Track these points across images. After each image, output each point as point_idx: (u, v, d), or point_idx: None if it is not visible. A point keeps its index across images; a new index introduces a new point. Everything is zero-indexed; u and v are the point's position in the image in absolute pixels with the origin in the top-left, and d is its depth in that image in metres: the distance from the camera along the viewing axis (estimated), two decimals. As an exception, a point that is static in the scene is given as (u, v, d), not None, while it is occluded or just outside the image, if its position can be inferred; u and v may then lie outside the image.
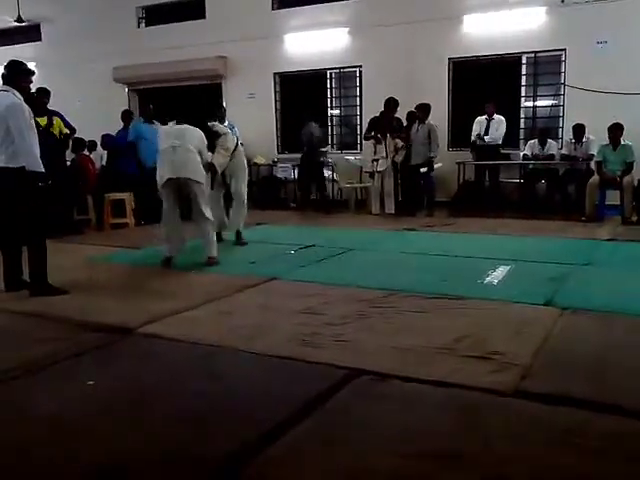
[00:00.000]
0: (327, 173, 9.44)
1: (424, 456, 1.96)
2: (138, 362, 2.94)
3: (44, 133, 6.97)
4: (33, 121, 4.27)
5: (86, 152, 9.53)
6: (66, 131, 7.28)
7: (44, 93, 7.22)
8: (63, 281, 4.50)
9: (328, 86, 10.70)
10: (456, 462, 1.93)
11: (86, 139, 9.69)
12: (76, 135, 8.00)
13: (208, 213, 5.19)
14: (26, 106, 4.14)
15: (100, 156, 9.39)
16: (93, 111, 11.35)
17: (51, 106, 7.39)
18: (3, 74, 4.26)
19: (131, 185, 7.90)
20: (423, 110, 8.36)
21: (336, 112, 10.85)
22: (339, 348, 2.98)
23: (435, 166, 8.52)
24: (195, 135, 5.24)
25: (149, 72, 11.34)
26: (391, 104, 8.38)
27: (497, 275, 4.46)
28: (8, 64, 4.29)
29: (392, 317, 3.50)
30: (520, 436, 2.09)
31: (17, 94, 4.14)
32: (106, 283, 4.54)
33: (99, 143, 9.30)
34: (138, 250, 6.06)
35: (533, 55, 9.13)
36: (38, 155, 4.12)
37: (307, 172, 9.18)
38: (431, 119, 8.52)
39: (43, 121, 7.01)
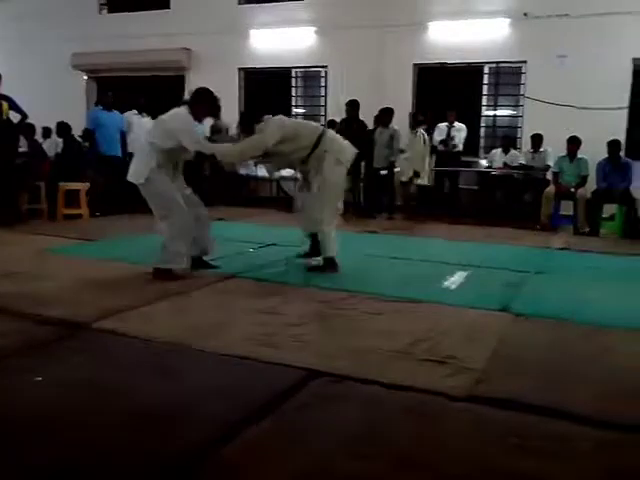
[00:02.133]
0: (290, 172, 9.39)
1: (379, 458, 1.97)
2: (89, 358, 2.84)
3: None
4: None
5: (39, 139, 9.25)
6: (7, 113, 6.96)
7: None
8: (13, 272, 4.34)
9: (293, 85, 10.67)
10: (410, 464, 1.94)
11: (40, 126, 9.41)
12: (29, 121, 7.72)
13: (163, 224, 4.32)
14: None
15: (55, 143, 9.09)
16: (49, 97, 11.00)
17: (1, 89, 7.11)
18: None
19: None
20: (386, 114, 8.41)
21: (300, 111, 10.83)
22: (297, 348, 2.96)
23: (395, 170, 8.59)
24: (161, 122, 4.38)
25: (110, 60, 11.07)
26: (355, 106, 8.38)
27: (454, 280, 4.52)
28: None
29: (351, 319, 3.50)
30: (473, 439, 2.11)
31: None
32: (58, 276, 4.38)
33: (54, 130, 9.02)
34: (92, 242, 5.90)
35: (495, 65, 9.34)
36: None
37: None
38: (394, 124, 8.59)
39: (-6, 105, 6.74)
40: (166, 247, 4.30)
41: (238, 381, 2.60)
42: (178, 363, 2.80)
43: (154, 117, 4.96)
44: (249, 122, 4.66)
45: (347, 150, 4.74)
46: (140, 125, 8.29)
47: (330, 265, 4.68)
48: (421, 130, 8.51)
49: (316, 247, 4.91)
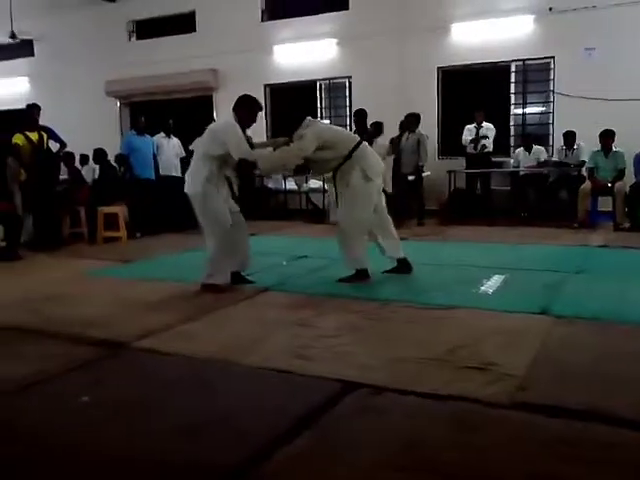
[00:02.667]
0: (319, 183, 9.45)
1: (422, 469, 1.95)
2: (131, 377, 2.91)
3: (36, 148, 7.01)
4: None
5: (78, 166, 9.57)
6: (48, 143, 7.30)
7: (35, 108, 7.26)
8: (56, 295, 4.48)
9: (318, 97, 10.74)
10: (453, 475, 1.92)
11: (78, 153, 9.74)
12: (68, 149, 8.02)
13: (209, 240, 4.43)
14: None
15: (92, 170, 9.37)
16: (86, 125, 11.37)
17: (43, 120, 7.41)
18: None
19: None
20: (412, 120, 8.37)
21: (326, 122, 10.87)
22: (333, 360, 2.96)
23: (424, 174, 8.52)
24: (210, 131, 4.44)
25: (140, 85, 11.36)
26: (361, 115, 8.32)
27: (491, 284, 4.46)
28: None
29: (386, 328, 3.48)
30: (516, 447, 2.07)
31: None
32: (99, 297, 4.49)
33: (91, 157, 9.30)
34: (132, 263, 6.03)
35: (522, 63, 9.21)
36: None
37: None
38: (421, 128, 8.54)
39: (35, 136, 7.04)
40: (212, 262, 4.46)
41: (276, 395, 2.62)
42: (218, 379, 2.84)
43: (182, 138, 5.13)
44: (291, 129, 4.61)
45: (376, 166, 4.68)
46: (169, 147, 8.49)
47: (360, 276, 4.66)
48: (378, 140, 8.15)
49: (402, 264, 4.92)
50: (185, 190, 4.49)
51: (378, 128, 8.16)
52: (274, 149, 4.81)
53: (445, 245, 6.64)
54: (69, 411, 2.51)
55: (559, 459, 1.98)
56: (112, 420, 2.41)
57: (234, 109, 4.51)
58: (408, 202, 8.64)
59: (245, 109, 4.51)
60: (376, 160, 4.73)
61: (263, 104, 10.63)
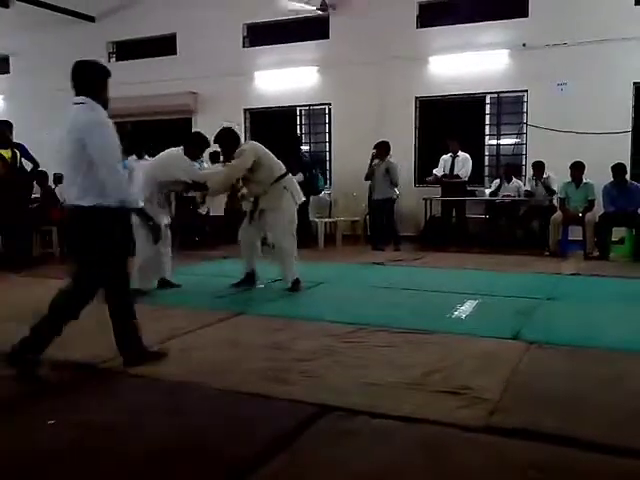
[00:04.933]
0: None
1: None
2: (101, 399, 2.84)
3: (8, 166, 6.89)
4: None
5: (52, 185, 9.44)
6: (21, 161, 7.17)
7: (6, 126, 7.14)
8: (25, 316, 4.38)
9: (298, 123, 10.84)
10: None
11: (53, 172, 9.60)
12: (42, 168, 7.90)
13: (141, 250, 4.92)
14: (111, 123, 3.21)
15: (66, 189, 9.26)
16: (60, 144, 11.24)
17: (18, 138, 7.31)
18: (74, 77, 3.32)
19: None
20: (381, 148, 8.53)
21: (306, 148, 10.96)
22: (308, 384, 2.94)
23: (394, 198, 8.64)
24: (159, 158, 5.30)
25: (119, 106, 11.27)
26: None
27: (465, 309, 4.50)
28: (82, 64, 3.34)
29: (361, 352, 3.48)
30: (489, 471, 2.08)
31: (100, 107, 3.22)
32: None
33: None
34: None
35: (496, 95, 9.46)
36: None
37: None
38: (398, 156, 8.68)
39: (7, 154, 6.92)
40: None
41: (250, 419, 2.59)
42: (190, 401, 2.80)
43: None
44: (230, 150, 5.18)
45: (300, 192, 5.42)
46: (140, 169, 8.38)
47: (297, 285, 5.27)
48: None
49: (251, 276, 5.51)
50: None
51: (388, 147, 8.48)
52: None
53: (421, 271, 6.69)
54: (37, 432, 2.44)
55: (531, 483, 1.99)
56: (81, 444, 2.35)
57: (186, 143, 5.24)
58: (384, 228, 8.73)
59: (196, 145, 5.27)
60: (297, 186, 5.45)
61: (243, 128, 10.83)
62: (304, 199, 5.60)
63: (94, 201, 3.05)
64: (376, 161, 8.54)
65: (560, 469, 2.07)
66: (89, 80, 3.27)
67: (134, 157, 8.55)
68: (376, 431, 2.41)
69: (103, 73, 3.34)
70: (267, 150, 5.31)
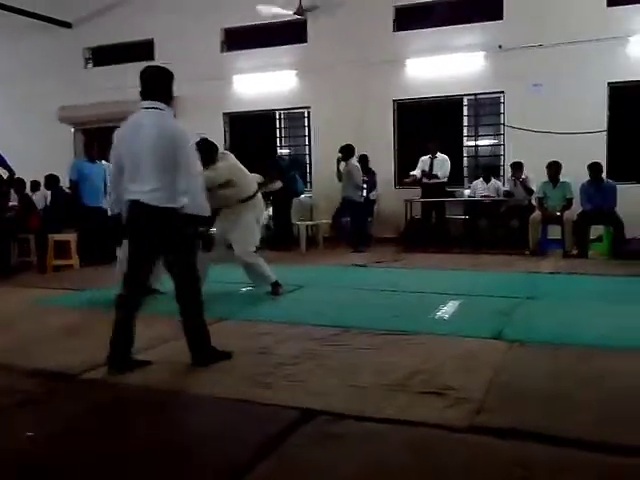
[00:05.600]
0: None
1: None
2: (82, 409, 2.80)
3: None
4: None
5: (29, 192, 9.32)
6: None
7: None
8: (2, 325, 4.31)
9: (277, 126, 10.83)
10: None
11: (30, 179, 9.48)
12: (18, 176, 7.78)
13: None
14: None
15: (44, 196, 9.13)
16: (38, 151, 11.12)
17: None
18: (147, 82, 3.29)
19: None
20: (343, 151, 8.66)
21: (285, 152, 10.96)
22: (292, 388, 2.93)
23: (355, 200, 8.68)
24: None
25: (96, 112, 11.21)
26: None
27: (447, 310, 4.53)
28: (156, 70, 3.36)
29: (344, 355, 3.47)
30: (475, 471, 2.08)
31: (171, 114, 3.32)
32: (48, 327, 4.33)
33: (42, 183, 9.07)
34: (82, 292, 5.85)
35: (474, 97, 9.55)
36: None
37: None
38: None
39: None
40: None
41: (235, 424, 2.56)
42: (176, 410, 2.77)
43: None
44: (207, 158, 4.82)
45: (263, 213, 5.52)
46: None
47: (277, 286, 5.27)
48: (351, 161, 8.71)
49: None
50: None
51: (350, 150, 8.57)
52: None
53: (402, 272, 6.72)
54: (15, 446, 2.39)
55: (516, 481, 2.00)
56: (60, 455, 2.31)
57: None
58: (356, 229, 8.85)
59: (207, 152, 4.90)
60: (263, 208, 5.49)
61: (222, 131, 10.78)
62: (267, 218, 5.64)
63: (179, 203, 3.22)
64: (342, 164, 8.68)
65: (546, 467, 2.09)
66: (165, 86, 3.32)
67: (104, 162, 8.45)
68: (361, 434, 2.41)
69: (173, 79, 3.37)
70: (242, 167, 5.24)
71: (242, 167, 5.27)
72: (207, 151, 5.06)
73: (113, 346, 3.23)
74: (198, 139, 5.15)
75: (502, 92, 9.27)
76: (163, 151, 3.16)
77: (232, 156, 5.29)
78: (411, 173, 9.06)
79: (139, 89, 3.32)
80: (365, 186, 8.98)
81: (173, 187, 3.20)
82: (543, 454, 2.18)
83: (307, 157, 10.57)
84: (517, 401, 2.70)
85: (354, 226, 8.80)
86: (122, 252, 4.76)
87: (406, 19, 9.82)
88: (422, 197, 9.09)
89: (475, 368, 3.15)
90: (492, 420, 2.48)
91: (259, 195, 5.39)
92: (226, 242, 5.24)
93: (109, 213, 3.57)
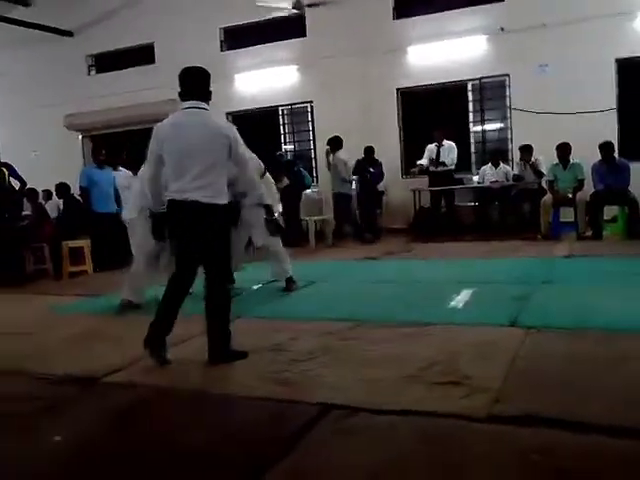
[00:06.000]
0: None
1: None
2: (105, 413, 2.81)
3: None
4: None
5: (42, 201, 9.41)
6: (9, 180, 7.13)
7: None
8: (20, 332, 4.36)
9: (281, 122, 10.81)
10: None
11: (41, 188, 9.57)
12: (30, 185, 7.86)
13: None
14: None
15: (56, 204, 9.20)
16: (47, 160, 11.21)
17: (4, 156, 7.27)
18: (187, 83, 3.35)
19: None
20: (330, 143, 8.78)
21: (290, 147, 10.94)
22: (309, 384, 2.93)
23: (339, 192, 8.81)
24: None
25: (101, 118, 11.28)
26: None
27: (461, 299, 4.49)
28: (195, 70, 3.41)
29: (359, 348, 3.46)
30: (493, 459, 2.07)
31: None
32: (65, 333, 4.36)
33: (54, 192, 9.13)
34: (97, 297, 5.89)
35: (478, 81, 9.45)
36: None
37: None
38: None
39: (-3, 173, 6.89)
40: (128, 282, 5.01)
41: (255, 422, 2.57)
42: (195, 409, 2.78)
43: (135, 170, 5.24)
44: None
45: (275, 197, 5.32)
46: (120, 179, 8.26)
47: (291, 284, 5.29)
48: (339, 153, 8.78)
49: None
50: (122, 217, 5.18)
51: (337, 142, 8.63)
52: None
53: (414, 263, 6.69)
54: (45, 451, 2.41)
55: (538, 471, 1.97)
56: (88, 458, 2.33)
57: None
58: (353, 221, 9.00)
59: None
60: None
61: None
62: (280, 210, 5.50)
63: (225, 199, 3.31)
64: (331, 156, 8.75)
65: (563, 452, 2.06)
66: (204, 85, 3.38)
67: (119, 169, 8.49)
68: (379, 427, 2.40)
69: (210, 78, 3.44)
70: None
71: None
72: None
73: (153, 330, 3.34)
74: None
75: (507, 75, 9.17)
76: (214, 148, 3.24)
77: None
78: (418, 162, 9.01)
79: (178, 90, 3.39)
80: (355, 178, 8.98)
81: (220, 184, 3.28)
82: (563, 440, 2.16)
83: (312, 152, 10.53)
84: (535, 388, 2.67)
85: (346, 218, 8.88)
86: (139, 252, 4.92)
87: (406, 6, 9.75)
88: (430, 186, 9.03)
89: (492, 356, 3.12)
90: (510, 408, 2.45)
91: (266, 177, 5.30)
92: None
93: (153, 211, 3.57)
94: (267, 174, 5.37)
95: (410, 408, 2.51)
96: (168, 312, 3.38)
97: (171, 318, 3.38)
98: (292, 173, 8.76)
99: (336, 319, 4.13)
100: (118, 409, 2.86)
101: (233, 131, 3.34)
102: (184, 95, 3.34)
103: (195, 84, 3.35)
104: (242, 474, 2.10)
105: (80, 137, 12.17)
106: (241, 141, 3.36)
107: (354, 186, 9.01)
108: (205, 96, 3.34)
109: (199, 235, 3.29)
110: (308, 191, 9.84)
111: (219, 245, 3.34)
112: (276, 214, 4.76)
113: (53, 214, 8.99)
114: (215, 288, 3.36)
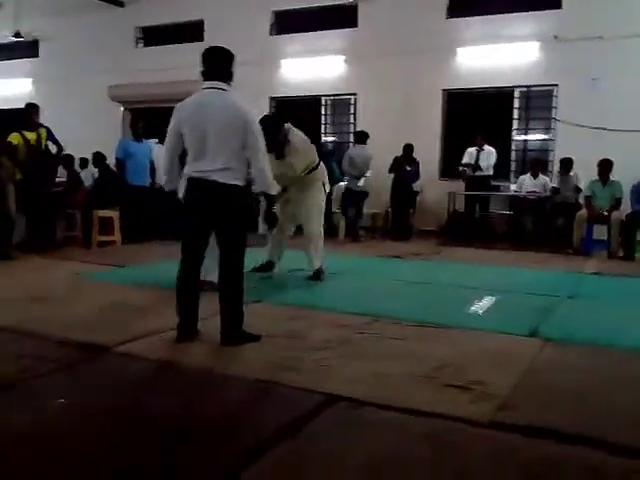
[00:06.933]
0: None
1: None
2: (113, 381, 2.88)
3: (32, 148, 6.96)
4: None
5: (77, 169, 9.57)
6: (47, 143, 7.20)
7: (33, 108, 7.18)
8: (45, 296, 4.46)
9: (322, 112, 10.79)
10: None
11: (79, 156, 9.73)
12: (67, 152, 7.98)
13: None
14: None
15: (92, 173, 9.37)
16: (88, 129, 11.38)
17: (45, 121, 7.38)
18: (210, 63, 3.36)
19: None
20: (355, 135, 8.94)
21: (330, 139, 10.92)
22: (319, 373, 2.94)
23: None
24: None
25: (145, 92, 11.40)
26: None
27: (482, 305, 4.44)
28: (219, 50, 3.42)
29: (375, 344, 3.46)
30: (494, 466, 2.05)
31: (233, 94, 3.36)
32: (88, 300, 4.46)
33: (90, 160, 9.30)
34: (124, 268, 6.00)
35: (525, 89, 9.28)
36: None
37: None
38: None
39: (32, 136, 6.97)
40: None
41: (258, 405, 2.60)
42: (202, 388, 2.81)
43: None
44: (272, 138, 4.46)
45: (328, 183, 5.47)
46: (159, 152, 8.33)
47: (319, 274, 5.30)
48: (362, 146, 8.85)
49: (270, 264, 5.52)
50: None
51: (360, 136, 8.78)
52: None
53: (439, 265, 6.63)
54: (47, 412, 2.47)
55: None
56: (89, 423, 2.38)
57: None
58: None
59: None
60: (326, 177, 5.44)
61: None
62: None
63: (243, 181, 3.35)
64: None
65: (564, 466, 2.03)
66: (227, 66, 3.40)
67: (155, 140, 8.57)
68: (383, 423, 2.39)
69: (234, 60, 3.46)
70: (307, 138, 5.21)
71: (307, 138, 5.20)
72: (273, 127, 4.89)
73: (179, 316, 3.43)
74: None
75: (555, 85, 8.96)
76: (232, 130, 3.24)
77: (299, 133, 5.16)
78: (463, 161, 8.87)
79: (200, 69, 3.37)
80: (367, 175, 8.87)
81: (240, 165, 3.30)
82: (566, 454, 2.13)
83: (350, 145, 10.48)
84: (545, 399, 2.63)
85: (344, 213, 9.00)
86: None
87: (460, 5, 9.59)
88: (466, 190, 8.93)
89: (506, 364, 3.09)
90: (515, 417, 2.42)
91: (322, 165, 5.40)
92: (291, 222, 5.43)
93: (166, 189, 3.59)
94: (321, 164, 5.40)
95: (415, 407, 2.50)
96: (187, 296, 3.44)
97: (193, 300, 3.44)
98: (328, 165, 8.73)
99: (355, 313, 4.12)
100: (125, 379, 2.92)
101: (251, 116, 3.33)
102: (206, 74, 3.35)
103: (217, 64, 3.35)
104: (236, 454, 2.11)
105: (122, 109, 12.33)
106: (258, 128, 3.33)
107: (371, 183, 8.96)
108: (226, 76, 3.35)
109: (216, 215, 3.31)
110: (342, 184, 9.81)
111: (235, 226, 3.37)
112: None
113: (87, 182, 9.12)
114: (229, 269, 3.38)
